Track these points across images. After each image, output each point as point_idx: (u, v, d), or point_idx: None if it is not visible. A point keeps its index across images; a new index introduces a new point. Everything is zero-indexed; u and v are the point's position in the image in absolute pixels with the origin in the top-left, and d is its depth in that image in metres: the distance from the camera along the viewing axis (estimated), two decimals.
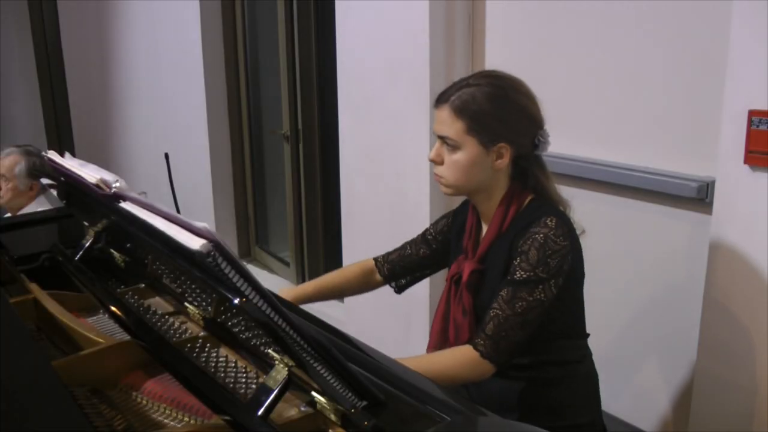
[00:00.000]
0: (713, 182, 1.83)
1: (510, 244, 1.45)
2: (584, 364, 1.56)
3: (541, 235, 1.40)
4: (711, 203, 1.84)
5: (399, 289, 1.81)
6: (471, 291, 1.51)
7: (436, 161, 1.49)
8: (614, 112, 2.10)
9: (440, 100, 1.48)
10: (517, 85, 1.47)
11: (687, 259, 1.99)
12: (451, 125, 1.44)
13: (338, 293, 1.83)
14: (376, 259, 1.80)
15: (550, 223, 1.41)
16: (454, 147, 1.45)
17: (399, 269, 1.76)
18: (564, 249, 1.41)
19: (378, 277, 1.79)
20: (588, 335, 1.60)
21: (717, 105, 1.78)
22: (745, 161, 1.69)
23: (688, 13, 1.88)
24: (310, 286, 1.80)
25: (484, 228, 1.54)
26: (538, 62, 2.27)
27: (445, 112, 1.45)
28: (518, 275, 1.40)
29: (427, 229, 1.75)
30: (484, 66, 2.45)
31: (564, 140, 2.22)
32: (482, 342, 1.40)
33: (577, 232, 1.49)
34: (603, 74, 2.11)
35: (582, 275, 1.52)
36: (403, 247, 1.77)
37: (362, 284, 1.81)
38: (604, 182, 2.12)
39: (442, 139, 1.47)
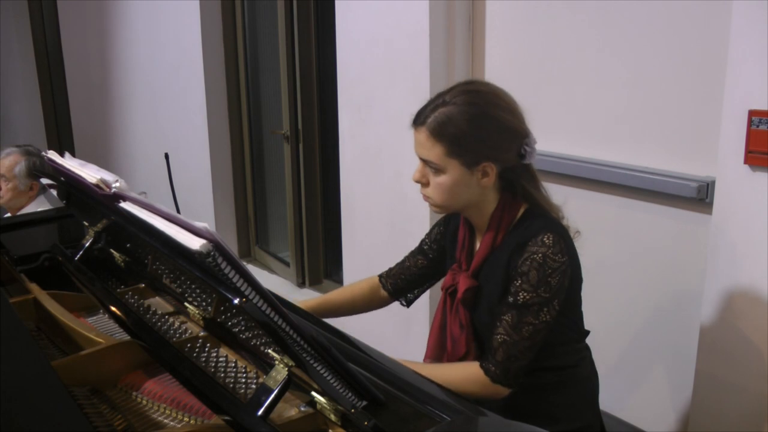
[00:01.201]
0: (713, 182, 1.83)
1: (507, 261, 1.42)
2: (582, 367, 1.55)
3: (540, 255, 1.37)
4: (711, 203, 1.84)
5: (407, 303, 1.79)
6: (467, 306, 1.50)
7: (422, 182, 1.46)
8: (614, 112, 2.10)
9: (417, 121, 1.43)
10: (495, 99, 1.41)
11: (687, 259, 1.99)
12: (431, 149, 1.40)
13: (345, 310, 1.79)
14: (380, 276, 1.78)
15: (547, 241, 1.38)
16: (437, 170, 1.41)
17: (402, 283, 1.74)
18: (563, 265, 1.38)
19: (383, 293, 1.77)
20: (588, 333, 1.60)
21: (717, 105, 1.78)
22: (745, 161, 1.69)
23: (688, 13, 1.88)
24: (313, 302, 1.77)
25: (477, 238, 1.53)
26: (538, 62, 2.27)
27: (423, 135, 1.41)
28: (521, 298, 1.38)
29: (423, 240, 1.73)
30: (483, 66, 2.45)
31: (564, 140, 2.22)
32: (493, 368, 1.39)
33: (572, 234, 1.47)
34: (603, 74, 2.11)
35: (580, 282, 1.51)
36: (403, 260, 1.75)
37: (370, 301, 1.78)
38: (604, 182, 2.12)
39: (424, 161, 1.43)
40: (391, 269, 1.77)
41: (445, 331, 1.56)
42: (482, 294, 1.48)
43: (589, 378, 1.59)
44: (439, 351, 1.58)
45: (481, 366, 1.41)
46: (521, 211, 1.47)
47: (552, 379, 1.50)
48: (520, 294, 1.38)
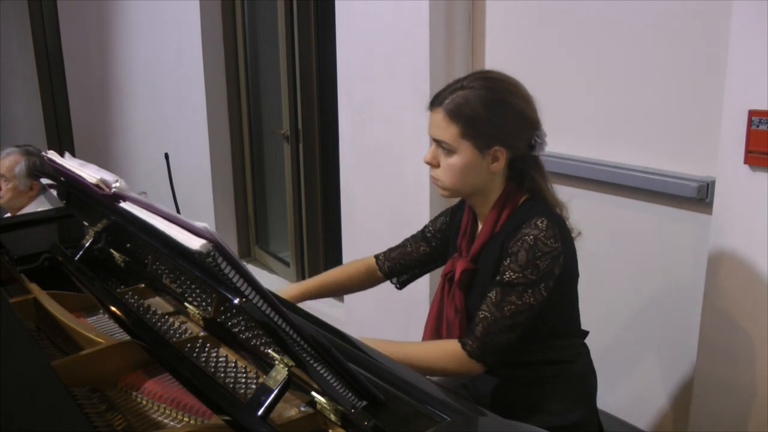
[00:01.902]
0: (713, 182, 1.83)
1: (501, 245, 1.45)
2: (578, 362, 1.56)
3: (531, 237, 1.40)
4: (711, 203, 1.84)
5: (400, 285, 1.82)
6: (463, 290, 1.52)
7: (432, 164, 1.49)
8: (614, 112, 2.10)
9: (434, 103, 1.46)
10: (512, 87, 1.45)
11: (687, 260, 1.99)
12: (446, 129, 1.43)
13: (341, 290, 1.85)
14: (377, 257, 1.80)
15: (540, 224, 1.40)
16: (449, 151, 1.44)
17: (399, 266, 1.77)
18: (555, 251, 1.40)
19: (379, 273, 1.80)
20: (586, 333, 1.60)
21: (717, 105, 1.78)
22: (745, 161, 1.69)
23: (688, 13, 1.88)
24: (314, 282, 1.82)
25: (480, 227, 1.55)
26: (538, 62, 2.27)
27: (439, 116, 1.44)
28: (507, 276, 1.40)
29: (426, 226, 1.75)
30: (484, 66, 2.45)
31: (564, 140, 2.22)
32: (470, 343, 1.42)
33: (573, 234, 1.49)
34: (603, 74, 2.11)
35: (576, 275, 1.52)
36: (404, 244, 1.77)
37: (364, 281, 1.82)
38: (604, 182, 2.12)
39: (438, 142, 1.46)
40: (390, 251, 1.79)
41: (441, 316, 1.58)
42: (477, 277, 1.50)
43: (586, 375, 1.59)
44: (435, 337, 1.60)
45: (460, 341, 1.43)
46: (522, 200, 1.49)
47: (547, 373, 1.51)
48: (507, 273, 1.41)
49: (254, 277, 0.94)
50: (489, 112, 1.41)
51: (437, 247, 1.72)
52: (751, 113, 1.65)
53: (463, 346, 1.42)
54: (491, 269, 1.46)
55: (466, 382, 1.65)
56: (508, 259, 1.41)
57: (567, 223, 1.50)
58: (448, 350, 1.44)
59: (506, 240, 1.44)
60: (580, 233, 1.52)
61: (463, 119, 1.41)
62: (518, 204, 1.48)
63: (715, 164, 1.80)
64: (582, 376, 1.57)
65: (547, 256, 1.39)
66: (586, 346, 1.61)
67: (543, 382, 1.51)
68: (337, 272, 1.85)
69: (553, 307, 1.46)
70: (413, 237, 1.77)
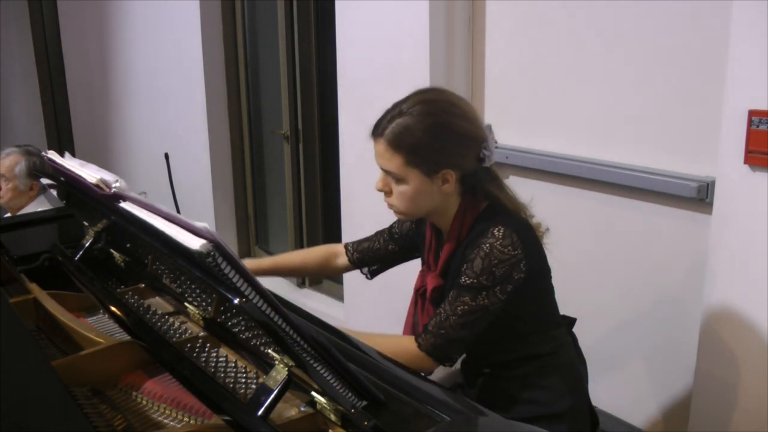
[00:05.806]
0: (713, 182, 1.83)
1: (463, 255, 1.46)
2: (561, 354, 1.56)
3: (487, 245, 1.40)
4: (711, 203, 1.84)
5: (371, 275, 1.84)
6: (435, 305, 1.54)
7: (385, 191, 1.50)
8: (614, 112, 2.10)
9: (375, 133, 1.47)
10: (450, 108, 1.45)
11: (687, 260, 1.99)
12: (390, 160, 1.44)
13: (295, 272, 1.90)
14: (346, 245, 1.82)
15: (497, 233, 1.41)
16: (398, 180, 1.45)
17: (369, 259, 1.80)
18: (513, 258, 1.40)
19: (345, 262, 1.82)
20: (571, 321, 1.62)
21: (717, 105, 1.78)
22: (745, 161, 1.69)
23: (688, 14, 1.88)
24: (267, 261, 1.85)
25: (445, 240, 1.56)
26: (538, 62, 2.27)
27: (381, 146, 1.45)
28: (463, 280, 1.42)
29: (393, 225, 1.76)
30: (483, 66, 2.45)
31: (564, 140, 2.22)
32: (423, 336, 1.45)
33: (541, 230, 1.50)
34: (603, 74, 2.11)
35: (547, 272, 1.53)
36: (372, 241, 1.79)
37: (321, 267, 1.86)
38: (603, 182, 2.12)
39: (385, 171, 1.47)
40: (360, 244, 1.81)
41: (416, 330, 1.59)
42: (446, 290, 1.51)
43: (571, 364, 1.59)
44: None
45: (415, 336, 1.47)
46: (481, 209, 1.49)
47: (530, 367, 1.52)
48: (463, 277, 1.43)
49: (254, 277, 0.94)
50: (430, 138, 1.41)
51: (405, 247, 1.74)
52: (751, 113, 1.65)
53: (416, 339, 1.45)
54: (456, 280, 1.47)
55: (461, 383, 1.66)
56: (465, 265, 1.43)
57: (533, 220, 1.51)
58: (404, 345, 1.47)
59: (465, 250, 1.45)
60: (548, 229, 1.54)
61: (405, 148, 1.42)
62: (480, 211, 1.49)
63: (715, 164, 1.80)
64: (567, 366, 1.57)
65: (504, 264, 1.40)
66: (570, 335, 1.62)
67: (527, 375, 1.52)
68: (294, 255, 1.89)
69: (526, 306, 1.48)
70: (381, 234, 1.78)
